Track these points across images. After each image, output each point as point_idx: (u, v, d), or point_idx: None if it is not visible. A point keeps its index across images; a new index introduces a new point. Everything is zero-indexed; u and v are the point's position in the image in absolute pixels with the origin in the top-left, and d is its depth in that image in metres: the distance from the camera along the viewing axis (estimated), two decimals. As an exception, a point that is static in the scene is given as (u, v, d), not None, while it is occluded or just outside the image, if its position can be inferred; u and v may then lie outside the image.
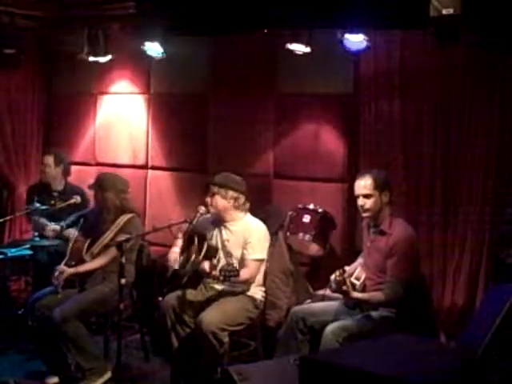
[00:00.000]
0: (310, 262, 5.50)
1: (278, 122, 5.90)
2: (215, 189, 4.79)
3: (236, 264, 4.60)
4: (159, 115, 6.65)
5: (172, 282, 4.93)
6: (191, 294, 4.80)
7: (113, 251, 4.80)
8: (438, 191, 4.97)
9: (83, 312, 4.78)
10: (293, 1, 4.71)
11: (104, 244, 4.95)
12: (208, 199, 4.84)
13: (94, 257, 4.94)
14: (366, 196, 4.46)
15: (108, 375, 4.82)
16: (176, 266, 4.78)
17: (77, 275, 4.91)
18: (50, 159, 6.17)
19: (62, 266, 4.85)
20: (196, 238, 4.80)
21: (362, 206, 4.49)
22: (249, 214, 4.91)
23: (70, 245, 5.00)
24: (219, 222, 4.91)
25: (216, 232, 4.91)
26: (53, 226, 5.78)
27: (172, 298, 4.76)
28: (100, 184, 5.08)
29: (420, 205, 5.03)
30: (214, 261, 4.62)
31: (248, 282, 4.74)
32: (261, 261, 4.76)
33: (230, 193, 4.79)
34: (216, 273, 4.48)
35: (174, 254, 4.87)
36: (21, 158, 7.09)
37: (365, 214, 4.53)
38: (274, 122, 5.92)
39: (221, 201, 4.79)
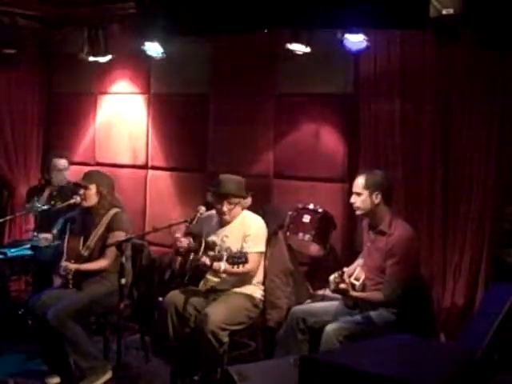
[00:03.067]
0: (310, 262, 5.50)
1: (277, 121, 5.90)
2: (230, 198, 4.82)
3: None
4: (159, 115, 6.65)
5: (170, 282, 4.94)
6: (193, 292, 4.81)
7: (113, 251, 4.80)
8: (438, 191, 4.97)
9: (78, 313, 4.77)
10: (293, 1, 4.71)
11: (96, 238, 4.96)
12: (222, 208, 4.83)
13: (91, 252, 4.95)
14: (357, 194, 4.54)
15: (109, 375, 4.82)
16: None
17: (78, 273, 4.90)
18: (65, 162, 6.22)
19: (65, 263, 4.85)
20: (191, 237, 4.81)
21: (352, 204, 4.58)
22: (246, 210, 4.95)
23: (66, 243, 5.01)
24: (217, 218, 4.94)
25: (215, 228, 4.93)
26: (44, 235, 5.79)
27: (175, 295, 4.77)
28: (91, 180, 5.07)
29: (420, 205, 5.03)
30: (214, 253, 4.62)
31: (249, 275, 4.77)
32: (261, 253, 4.82)
33: (241, 200, 4.88)
34: (218, 264, 4.51)
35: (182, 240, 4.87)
36: (21, 158, 7.10)
37: (357, 212, 4.60)
38: (273, 122, 5.92)
39: (229, 206, 4.84)
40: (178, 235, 4.85)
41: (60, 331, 4.66)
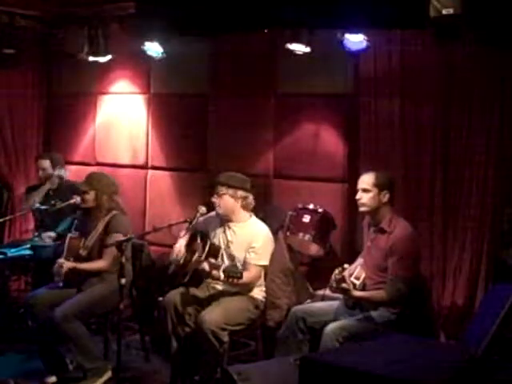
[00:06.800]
0: (310, 262, 5.50)
1: (277, 121, 5.89)
2: (223, 189, 4.78)
3: (240, 267, 4.63)
4: (159, 115, 6.65)
5: (173, 279, 4.92)
6: (194, 292, 4.81)
7: (112, 252, 4.79)
8: (438, 191, 4.97)
9: (83, 312, 4.78)
10: (293, 0, 4.71)
11: (94, 240, 4.96)
12: (215, 200, 4.82)
13: (89, 252, 4.95)
14: (365, 190, 4.51)
15: (108, 375, 4.82)
16: (179, 258, 4.75)
17: (75, 272, 4.89)
18: (46, 163, 6.17)
19: (61, 259, 4.86)
20: (199, 236, 4.79)
21: (358, 200, 4.54)
22: (254, 217, 4.92)
23: (67, 241, 5.02)
24: (224, 222, 4.91)
25: (220, 232, 4.90)
26: (48, 233, 5.80)
27: (174, 294, 4.76)
28: (92, 186, 5.07)
29: (420, 205, 5.03)
30: (217, 260, 4.61)
31: (247, 287, 4.75)
32: (264, 267, 4.80)
33: (239, 192, 4.81)
34: (217, 272, 4.47)
35: (179, 247, 4.84)
36: (21, 159, 7.09)
37: (361, 209, 4.57)
38: (273, 122, 5.91)
39: (230, 200, 4.79)
40: (181, 237, 4.84)
41: (66, 331, 4.65)
